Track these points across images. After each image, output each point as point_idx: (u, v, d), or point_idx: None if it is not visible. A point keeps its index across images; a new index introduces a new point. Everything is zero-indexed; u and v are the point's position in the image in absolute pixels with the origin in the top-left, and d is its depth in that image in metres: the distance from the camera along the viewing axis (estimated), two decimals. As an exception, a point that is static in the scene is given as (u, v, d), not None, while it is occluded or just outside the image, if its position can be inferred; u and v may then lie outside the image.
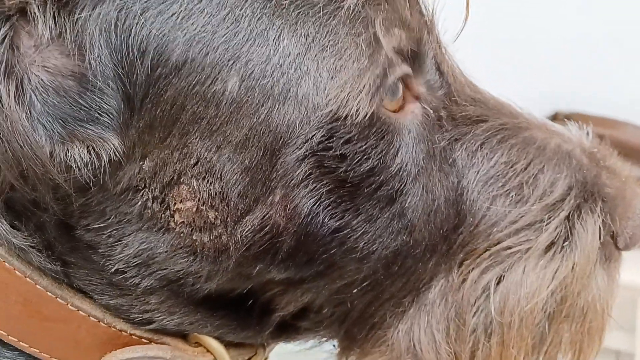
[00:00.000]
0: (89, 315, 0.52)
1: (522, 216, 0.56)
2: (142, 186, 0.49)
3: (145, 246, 0.51)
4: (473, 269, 0.56)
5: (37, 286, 0.51)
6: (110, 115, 0.47)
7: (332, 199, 0.50)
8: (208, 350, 0.55)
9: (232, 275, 0.52)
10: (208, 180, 0.49)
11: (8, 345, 0.52)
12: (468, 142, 0.56)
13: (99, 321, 0.52)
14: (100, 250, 0.51)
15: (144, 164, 0.49)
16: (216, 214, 0.50)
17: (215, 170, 0.49)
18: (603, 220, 0.57)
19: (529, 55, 1.74)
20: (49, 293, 0.51)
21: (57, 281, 0.52)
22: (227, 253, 0.51)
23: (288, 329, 0.57)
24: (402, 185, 0.52)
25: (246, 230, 0.50)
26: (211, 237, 0.50)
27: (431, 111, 0.54)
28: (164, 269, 0.52)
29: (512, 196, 0.56)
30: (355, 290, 0.54)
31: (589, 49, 1.74)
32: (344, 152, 0.50)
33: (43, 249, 0.51)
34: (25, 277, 0.51)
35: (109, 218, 0.50)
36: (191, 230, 0.50)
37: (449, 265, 0.56)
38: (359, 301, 0.55)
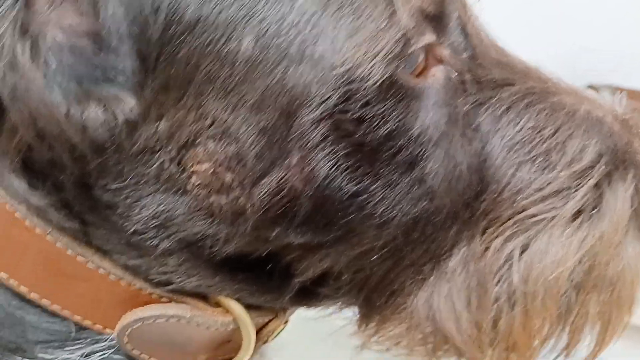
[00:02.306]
0: (108, 274, 0.52)
1: (548, 183, 0.54)
2: (159, 147, 0.49)
3: (163, 208, 0.50)
4: (496, 237, 0.54)
5: (57, 244, 0.51)
6: (126, 75, 0.47)
7: (350, 162, 0.49)
8: (228, 311, 0.55)
9: (250, 238, 0.51)
10: (224, 142, 0.48)
11: (31, 303, 0.52)
12: (493, 107, 0.54)
13: (119, 280, 0.53)
14: (118, 211, 0.51)
15: (160, 124, 0.48)
16: (233, 176, 0.49)
17: (231, 131, 0.48)
18: (635, 187, 0.55)
19: (561, 22, 1.69)
20: (69, 251, 0.51)
21: (77, 239, 0.52)
22: (245, 216, 0.50)
23: (308, 295, 0.57)
24: (423, 150, 0.51)
25: (263, 192, 0.49)
26: (228, 200, 0.50)
27: (454, 74, 0.53)
28: (183, 231, 0.51)
29: (539, 162, 0.54)
30: (375, 257, 0.53)
31: (626, 21, 1.70)
32: (361, 115, 0.49)
33: (61, 207, 0.51)
34: (46, 235, 0.51)
35: (127, 179, 0.50)
36: (208, 193, 0.50)
37: (471, 233, 0.54)
38: (379, 268, 0.54)
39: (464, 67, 0.54)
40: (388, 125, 0.49)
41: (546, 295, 0.54)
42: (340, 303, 0.58)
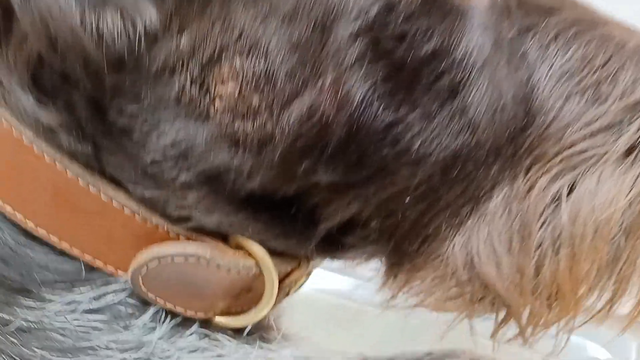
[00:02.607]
0: (123, 207, 0.48)
1: (599, 117, 0.50)
2: (180, 66, 0.45)
3: (183, 136, 0.46)
4: (542, 175, 0.50)
5: (68, 173, 0.47)
6: None
7: (387, 86, 0.45)
8: (250, 255, 0.51)
9: (276, 172, 0.47)
10: (253, 57, 0.44)
11: (38, 240, 0.48)
12: (540, 33, 0.50)
13: (134, 214, 0.48)
14: (134, 137, 0.47)
15: (181, 39, 0.44)
16: (260, 97, 0.45)
17: (261, 45, 0.44)
18: None
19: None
20: (80, 181, 0.47)
21: (89, 168, 0.48)
22: (272, 144, 0.46)
23: (333, 244, 0.53)
24: (466, 77, 0.47)
25: (293, 118, 0.45)
26: (255, 126, 0.46)
27: None
28: (203, 162, 0.47)
29: (589, 94, 0.50)
30: (408, 199, 0.49)
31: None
32: (403, 30, 0.44)
33: (73, 128, 0.47)
34: (55, 163, 0.47)
35: (144, 101, 0.46)
36: (233, 118, 0.46)
37: (514, 171, 0.50)
38: (411, 211, 0.50)
39: None
40: (431, 42, 0.45)
41: (596, 236, 0.50)
42: (366, 253, 0.54)
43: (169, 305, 0.50)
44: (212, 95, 0.45)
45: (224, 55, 0.44)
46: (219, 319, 0.52)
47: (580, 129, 0.50)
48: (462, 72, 0.47)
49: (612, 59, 0.51)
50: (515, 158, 0.50)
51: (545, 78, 0.50)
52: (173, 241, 0.49)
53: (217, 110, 0.46)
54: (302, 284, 0.57)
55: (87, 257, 0.49)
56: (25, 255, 0.49)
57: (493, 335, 0.55)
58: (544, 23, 0.50)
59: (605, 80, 0.50)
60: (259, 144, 0.46)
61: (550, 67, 0.50)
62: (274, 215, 0.50)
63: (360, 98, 0.45)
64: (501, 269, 0.51)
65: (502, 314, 0.54)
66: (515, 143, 0.50)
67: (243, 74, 0.44)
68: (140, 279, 0.49)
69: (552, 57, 0.50)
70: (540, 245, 0.50)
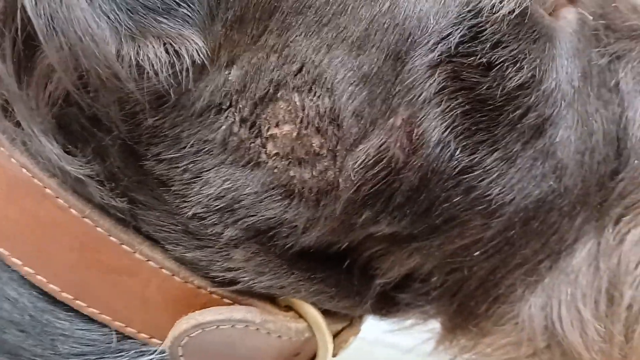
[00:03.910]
0: (160, 267, 0.42)
1: None
2: (228, 104, 0.40)
3: (230, 185, 0.41)
4: (635, 226, 0.44)
5: (98, 228, 0.41)
6: (191, 5, 0.37)
7: (466, 124, 0.40)
8: (300, 316, 0.46)
9: (335, 224, 0.42)
10: (315, 93, 0.39)
11: (61, 305, 0.42)
12: (634, 61, 0.45)
13: (173, 274, 0.43)
14: (173, 188, 0.42)
15: (230, 73, 0.39)
16: (323, 140, 0.40)
17: (325, 78, 0.39)
18: None
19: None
20: (111, 237, 0.42)
21: (123, 223, 0.42)
22: (334, 194, 0.41)
23: (388, 302, 0.47)
24: (554, 112, 0.41)
25: (359, 163, 0.40)
26: (314, 173, 0.40)
27: (589, 18, 0.43)
28: (252, 216, 0.42)
29: None
30: (478, 253, 0.44)
31: None
32: (491, 59, 0.39)
33: (105, 180, 0.41)
34: (83, 216, 0.41)
35: (185, 146, 0.40)
36: (288, 164, 0.40)
37: (601, 222, 0.45)
38: (480, 267, 0.44)
39: (597, 10, 0.45)
40: (521, 73, 0.40)
41: None
42: (424, 313, 0.48)
43: None
44: (263, 138, 0.40)
45: (280, 91, 0.39)
46: None
47: None
48: (551, 107, 0.41)
49: None
50: (603, 207, 0.45)
51: None
52: (218, 306, 0.44)
53: (269, 155, 0.40)
54: (350, 343, 0.51)
55: (117, 324, 0.43)
56: (47, 323, 0.43)
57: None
58: (638, 48, 0.45)
59: None
60: (318, 193, 0.41)
61: None
62: (328, 274, 0.45)
63: (437, 138, 0.39)
64: (587, 336, 0.44)
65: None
66: (605, 189, 0.45)
67: (303, 113, 0.39)
68: (179, 349, 0.43)
69: None
70: (630, 307, 0.44)
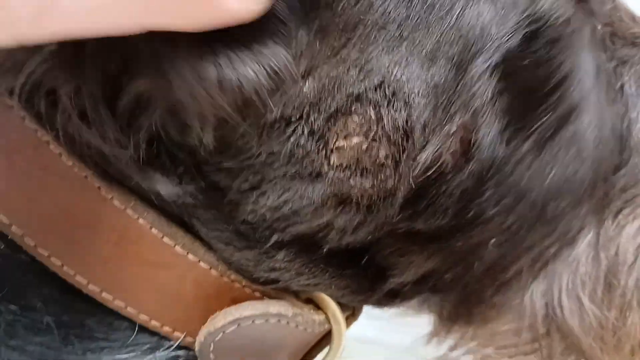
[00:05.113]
0: (199, 261, 0.41)
1: None
2: (298, 117, 0.38)
3: (287, 197, 0.40)
4: (633, 219, 0.47)
5: (140, 220, 0.39)
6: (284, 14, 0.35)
7: (507, 119, 0.40)
8: (319, 309, 0.45)
9: (380, 224, 0.41)
10: (394, 107, 0.38)
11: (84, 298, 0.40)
12: (636, 65, 0.46)
13: (210, 268, 0.41)
14: (229, 196, 0.40)
15: (305, 85, 0.37)
16: (390, 151, 0.38)
17: (404, 92, 0.37)
18: None
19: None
20: (153, 230, 0.40)
21: (166, 215, 0.41)
22: (388, 201, 0.40)
23: (393, 294, 0.47)
24: (580, 100, 0.42)
25: (417, 170, 0.39)
26: (375, 183, 0.39)
27: (599, 26, 0.45)
28: (303, 223, 0.40)
29: None
30: (493, 241, 0.44)
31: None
32: (540, 59, 0.40)
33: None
34: (126, 209, 0.39)
35: (250, 157, 0.38)
36: (350, 175, 0.39)
37: (601, 215, 0.46)
38: (491, 253, 0.45)
39: (604, 20, 0.46)
40: (562, 67, 0.41)
41: None
42: (429, 303, 0.49)
43: None
44: (328, 150, 0.38)
45: (357, 104, 0.38)
46: None
47: None
48: (578, 95, 0.42)
49: None
50: (605, 200, 0.46)
51: None
52: (254, 300, 0.43)
53: (332, 166, 0.39)
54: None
55: (143, 317, 0.41)
56: None
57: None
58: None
59: None
60: (375, 200, 0.40)
61: None
62: (354, 270, 0.45)
63: (490, 140, 0.40)
64: (586, 322, 0.47)
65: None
66: (608, 183, 0.46)
67: (378, 126, 0.38)
68: (211, 345, 0.42)
69: None
70: (624, 294, 0.47)
